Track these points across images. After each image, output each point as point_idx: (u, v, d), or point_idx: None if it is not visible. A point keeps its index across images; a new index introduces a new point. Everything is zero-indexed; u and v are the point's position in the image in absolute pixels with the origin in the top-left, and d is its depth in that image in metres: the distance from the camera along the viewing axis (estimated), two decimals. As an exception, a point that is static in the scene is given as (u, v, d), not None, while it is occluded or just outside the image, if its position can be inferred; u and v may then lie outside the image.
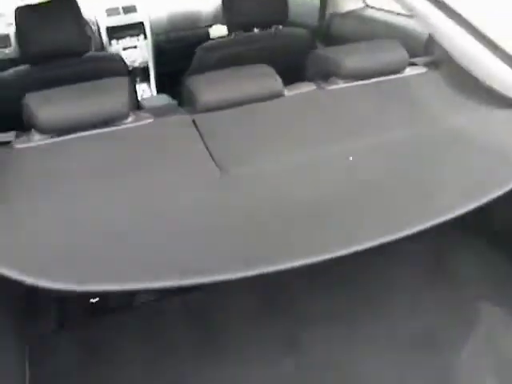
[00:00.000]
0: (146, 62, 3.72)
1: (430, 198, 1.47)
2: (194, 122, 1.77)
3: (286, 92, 1.91)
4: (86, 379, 1.73)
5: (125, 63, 2.85)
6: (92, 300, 2.00)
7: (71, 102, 1.72)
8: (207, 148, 1.65)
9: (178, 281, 1.25)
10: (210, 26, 3.89)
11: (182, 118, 1.79)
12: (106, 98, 1.73)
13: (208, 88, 1.84)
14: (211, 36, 3.84)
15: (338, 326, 1.84)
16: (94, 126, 1.70)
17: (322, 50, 2.14)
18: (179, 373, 1.74)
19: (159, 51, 3.76)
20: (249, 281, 1.95)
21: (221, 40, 2.91)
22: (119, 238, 1.35)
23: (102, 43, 3.59)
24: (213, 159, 1.60)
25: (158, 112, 1.84)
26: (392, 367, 1.70)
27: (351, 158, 1.58)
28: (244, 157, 1.63)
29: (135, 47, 3.68)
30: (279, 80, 1.89)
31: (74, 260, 1.28)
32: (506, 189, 1.44)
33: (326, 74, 2.02)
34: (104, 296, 1.99)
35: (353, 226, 1.40)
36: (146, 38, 3.70)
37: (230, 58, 2.55)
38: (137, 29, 3.67)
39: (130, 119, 1.76)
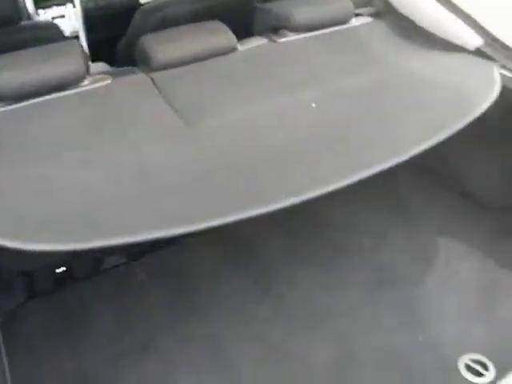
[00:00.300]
0: (77, 32, 3.60)
1: (393, 136, 1.53)
2: (152, 80, 1.75)
3: (239, 47, 1.92)
4: (60, 343, 1.74)
5: (61, 31, 2.76)
6: (57, 270, 1.97)
7: (25, 67, 1.66)
8: (169, 104, 1.65)
9: (151, 234, 1.24)
10: (140, -10, 3.80)
11: (140, 77, 1.78)
12: (61, 60, 1.68)
13: (163, 46, 1.83)
14: (141, 1, 3.77)
15: (306, 269, 1.92)
16: (51, 90, 1.66)
17: (269, 5, 2.15)
18: (153, 330, 1.77)
19: (89, 19, 3.65)
20: (213, 235, 2.00)
21: (159, 2, 2.86)
22: (88, 197, 1.33)
23: (29, 14, 3.45)
24: (177, 114, 1.60)
25: (114, 73, 1.81)
26: (364, 303, 1.79)
27: (314, 105, 1.62)
28: (207, 110, 1.64)
29: (63, 16, 3.56)
30: (232, 35, 1.89)
31: (40, 222, 1.25)
32: (462, 124, 1.51)
33: (275, 28, 2.04)
34: (70, 265, 1.98)
35: (320, 169, 1.43)
36: (74, 6, 3.58)
37: (169, 19, 2.51)
38: (64, -3, 3.55)
39: (86, 82, 1.73)
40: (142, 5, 3.54)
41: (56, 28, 2.65)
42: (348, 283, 1.87)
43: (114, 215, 1.28)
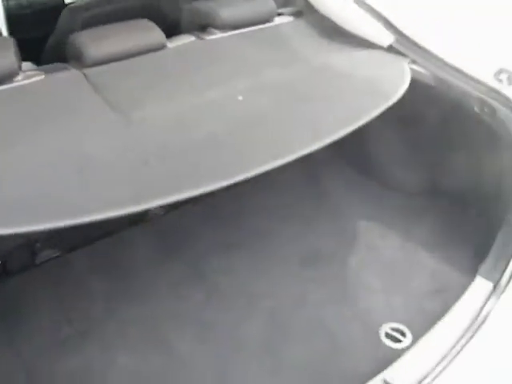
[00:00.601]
0: (-1, 31, 3.57)
1: (313, 124, 1.66)
2: (85, 75, 1.81)
3: (169, 44, 2.01)
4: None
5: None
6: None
7: None
8: (103, 98, 1.71)
9: (87, 217, 1.27)
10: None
11: (73, 73, 1.83)
12: None
13: (94, 43, 1.88)
14: (66, 1, 3.78)
15: (236, 255, 2.03)
16: None
17: (197, 4, 2.24)
18: (92, 317, 1.83)
19: (12, 18, 3.62)
20: (146, 226, 2.08)
21: (86, 1, 2.89)
22: (29, 184, 1.37)
23: None
24: (111, 108, 1.67)
25: (46, 70, 1.86)
26: (292, 283, 1.92)
27: (241, 98, 1.73)
28: (139, 103, 1.70)
29: (-15, 15, 3.52)
30: (161, 33, 1.98)
31: None
32: (376, 113, 1.66)
33: (202, 26, 2.14)
34: (4, 259, 2.00)
35: (246, 154, 1.53)
36: (-5, 4, 3.55)
37: (97, 18, 2.56)
38: (-18, -5, 3.51)
39: (19, 77, 1.76)
40: (67, 5, 3.57)
41: None
42: (277, 266, 1.99)
43: (54, 201, 1.34)
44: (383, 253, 2.03)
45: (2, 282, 1.96)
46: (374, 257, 2.01)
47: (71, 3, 3.22)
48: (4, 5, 3.55)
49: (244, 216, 2.21)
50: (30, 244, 2.04)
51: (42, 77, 1.80)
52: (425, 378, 1.36)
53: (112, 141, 1.56)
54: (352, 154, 2.30)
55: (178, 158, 1.50)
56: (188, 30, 2.19)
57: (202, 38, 2.07)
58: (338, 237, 2.11)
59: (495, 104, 1.78)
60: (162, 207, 2.21)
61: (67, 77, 1.82)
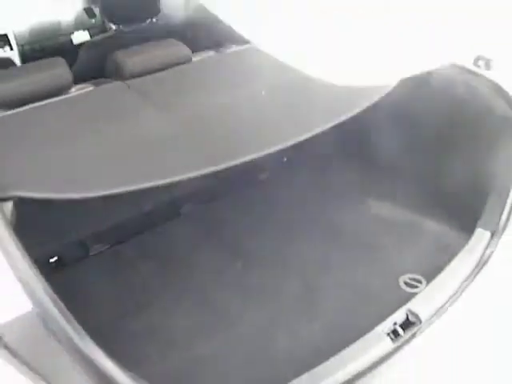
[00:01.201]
0: (17, 71, 3.87)
1: (299, 121, 1.93)
2: (128, 85, 2.12)
3: (194, 58, 2.33)
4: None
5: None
6: (51, 260, 2.25)
7: (20, 79, 1.98)
8: (147, 102, 2.01)
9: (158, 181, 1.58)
10: (72, 33, 4.16)
11: (117, 84, 2.14)
12: (54, 72, 2.03)
13: (133, 59, 2.20)
14: (74, 42, 4.12)
15: (265, 235, 2.34)
16: (47, 96, 1.99)
17: (214, 24, 2.58)
18: (149, 291, 2.11)
19: (27, 61, 3.94)
20: (182, 218, 2.37)
21: (102, 36, 3.22)
22: (104, 163, 1.67)
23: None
24: (155, 109, 1.97)
25: (93, 83, 2.16)
26: (317, 252, 2.22)
27: (263, 93, 2.04)
28: (178, 104, 2.02)
29: (2, 58, 3.84)
30: (187, 48, 2.30)
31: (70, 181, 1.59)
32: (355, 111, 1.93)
33: (218, 42, 2.48)
34: (61, 254, 2.26)
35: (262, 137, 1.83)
36: (12, 49, 3.87)
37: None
38: (1, 41, 3.83)
39: (73, 89, 2.07)
40: (75, 45, 3.91)
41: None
42: (302, 241, 2.28)
43: (126, 172, 1.64)
44: (394, 224, 2.32)
45: (58, 273, 2.22)
46: (387, 227, 2.30)
47: (80, 44, 3.56)
48: (19, 50, 3.89)
49: (267, 207, 2.51)
50: (81, 240, 2.32)
51: (91, 88, 2.10)
52: (441, 307, 1.64)
53: (161, 129, 1.86)
54: (363, 149, 2.60)
55: (216, 136, 1.82)
56: (206, 46, 2.51)
57: (221, 52, 2.41)
58: (352, 215, 2.40)
59: (477, 83, 2.11)
60: (194, 202, 2.51)
61: (113, 87, 2.13)
